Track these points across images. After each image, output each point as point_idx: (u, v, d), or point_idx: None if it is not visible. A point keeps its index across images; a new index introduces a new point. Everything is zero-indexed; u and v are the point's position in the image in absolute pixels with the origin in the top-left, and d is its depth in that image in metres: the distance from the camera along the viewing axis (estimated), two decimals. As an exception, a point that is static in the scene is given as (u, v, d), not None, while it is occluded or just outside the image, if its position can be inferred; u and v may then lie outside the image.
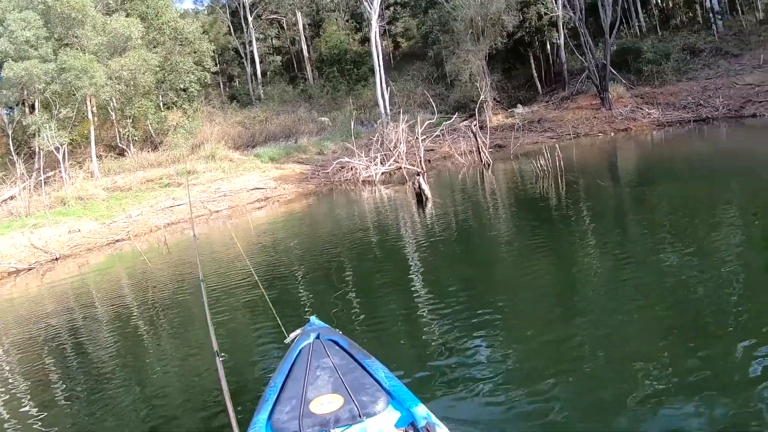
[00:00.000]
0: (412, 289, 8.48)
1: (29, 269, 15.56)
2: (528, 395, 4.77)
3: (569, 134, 26.00)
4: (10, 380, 7.41)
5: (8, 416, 6.26)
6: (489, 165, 20.61)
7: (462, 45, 30.11)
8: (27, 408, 6.42)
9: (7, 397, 6.85)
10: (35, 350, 8.57)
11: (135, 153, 27.20)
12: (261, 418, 3.46)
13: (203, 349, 7.13)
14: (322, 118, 33.18)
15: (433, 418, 3.25)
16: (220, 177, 23.36)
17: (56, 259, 16.10)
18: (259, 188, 22.59)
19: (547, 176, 15.64)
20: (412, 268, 9.95)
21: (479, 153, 21.22)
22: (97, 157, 25.47)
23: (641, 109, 26.90)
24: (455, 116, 28.50)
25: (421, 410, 3.30)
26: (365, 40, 39.73)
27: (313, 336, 4.40)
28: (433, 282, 8.65)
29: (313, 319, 4.90)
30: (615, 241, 9.36)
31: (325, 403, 3.43)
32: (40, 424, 5.92)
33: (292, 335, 4.69)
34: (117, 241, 17.31)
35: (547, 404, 4.57)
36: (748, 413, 4.10)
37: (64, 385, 6.97)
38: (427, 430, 3.07)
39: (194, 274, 11.14)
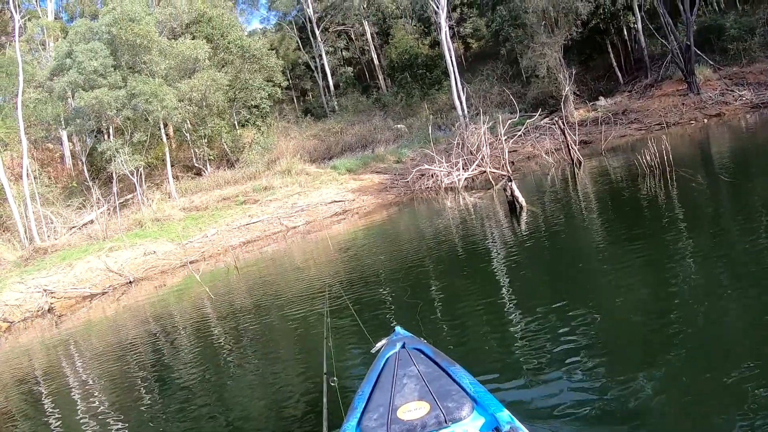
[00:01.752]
0: (502, 302, 7.97)
1: (103, 293, 15.09)
2: (616, 407, 4.63)
3: (658, 124, 23.78)
4: (96, 403, 7.49)
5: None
6: (580, 163, 18.79)
7: (536, 38, 28.40)
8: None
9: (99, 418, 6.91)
10: (123, 371, 8.62)
11: (211, 172, 26.93)
12: (350, 425, 3.52)
13: (291, 367, 7.32)
14: (398, 126, 32.17)
15: (517, 423, 3.27)
16: (296, 191, 22.58)
17: (130, 282, 15.62)
18: (337, 201, 21.62)
19: (653, 173, 13.46)
20: (502, 282, 8.88)
21: (568, 151, 19.40)
22: (173, 177, 25.33)
23: (731, 91, 24.33)
24: (538, 113, 26.78)
25: (504, 415, 3.33)
26: (435, 43, 38.87)
27: (398, 345, 4.46)
28: (527, 296, 7.91)
29: (398, 329, 4.97)
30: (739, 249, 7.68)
31: (412, 409, 3.48)
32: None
33: (378, 345, 4.74)
34: (191, 262, 16.61)
35: (636, 417, 4.43)
36: None
37: (156, 406, 6.99)
38: None
39: (265, 294, 11.45)
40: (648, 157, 13.55)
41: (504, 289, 8.53)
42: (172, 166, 25.45)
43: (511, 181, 13.43)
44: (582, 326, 6.23)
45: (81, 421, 7.00)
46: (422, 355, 4.25)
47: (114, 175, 22.86)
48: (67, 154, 28.88)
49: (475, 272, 9.84)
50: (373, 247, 14.55)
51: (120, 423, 6.69)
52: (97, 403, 7.51)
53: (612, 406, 4.64)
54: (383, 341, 4.79)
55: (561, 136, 20.21)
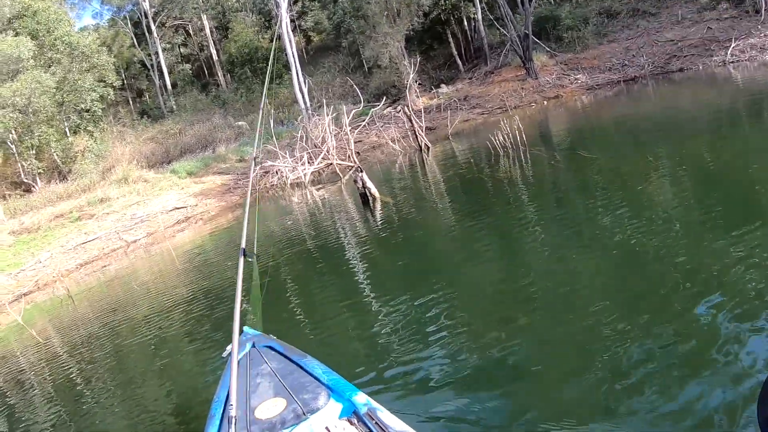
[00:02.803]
0: (359, 293, 8.22)
1: None
2: (477, 375, 4.90)
3: (499, 108, 25.31)
4: None
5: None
6: (428, 149, 19.55)
7: (378, 28, 29.09)
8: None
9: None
10: None
11: (42, 187, 25.19)
12: None
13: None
14: (239, 123, 31.83)
15: (374, 404, 3.35)
16: (135, 201, 21.78)
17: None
18: (178, 207, 21.13)
19: (506, 153, 14.29)
20: (358, 274, 9.24)
21: (416, 138, 20.08)
22: (0, 197, 23.59)
23: (567, 75, 26.67)
24: (382, 102, 27.43)
25: (361, 398, 3.40)
26: (276, 37, 38.41)
27: (248, 345, 4.44)
28: (384, 286, 8.23)
29: (246, 328, 4.86)
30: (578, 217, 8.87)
31: (270, 407, 3.51)
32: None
33: (228, 348, 4.46)
34: (24, 294, 15.70)
35: (496, 379, 4.79)
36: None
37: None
38: (370, 415, 3.14)
39: (111, 320, 10.99)
40: (501, 137, 14.38)
41: (360, 281, 8.76)
42: (-4, 184, 23.75)
43: (361, 171, 13.55)
44: (438, 306, 6.56)
45: None
46: (273, 352, 4.29)
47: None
48: None
49: (330, 267, 10.06)
50: (220, 253, 14.47)
51: None
52: None
53: (473, 375, 4.92)
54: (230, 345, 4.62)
55: (407, 123, 20.85)
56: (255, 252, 4.66)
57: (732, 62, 22.02)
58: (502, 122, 14.94)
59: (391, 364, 5.54)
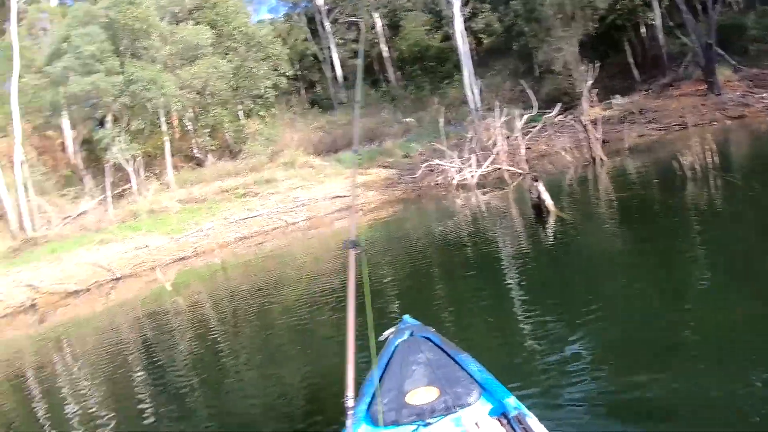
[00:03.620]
0: (516, 303, 7.67)
1: (87, 290, 14.29)
2: (625, 401, 4.64)
3: (678, 125, 22.55)
4: (87, 403, 7.32)
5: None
6: (602, 163, 17.58)
7: (552, 32, 27.22)
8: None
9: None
10: (114, 371, 8.40)
11: (213, 163, 25.99)
12: (360, 409, 3.56)
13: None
14: (407, 119, 31.05)
15: (524, 409, 3.25)
16: (299, 185, 21.63)
17: (117, 279, 14.74)
18: (340, 196, 20.64)
19: (694, 176, 11.80)
20: (520, 287, 8.37)
21: (590, 150, 18.22)
22: (173, 168, 24.46)
23: (753, 93, 22.74)
24: (557, 108, 25.53)
25: (512, 401, 3.33)
26: (446, 38, 37.62)
27: (407, 333, 4.51)
28: (545, 301, 7.42)
29: (406, 317, 4.97)
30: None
31: (421, 395, 3.53)
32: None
33: (386, 333, 4.74)
34: (182, 258, 15.75)
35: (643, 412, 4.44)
36: None
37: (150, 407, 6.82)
38: (518, 419, 3.05)
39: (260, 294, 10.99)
40: (690, 158, 12.29)
41: (522, 293, 8.03)
42: (172, 156, 24.60)
43: (537, 180, 12.04)
44: (594, 329, 6.11)
45: (71, 421, 6.75)
46: (430, 343, 4.28)
47: (110, 164, 21.97)
48: (68, 142, 27.98)
49: (490, 274, 9.26)
50: (378, 245, 13.72)
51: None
52: (88, 403, 7.30)
53: (620, 400, 4.65)
54: (391, 329, 4.78)
55: (582, 134, 19.08)
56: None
57: None
58: (690, 141, 12.71)
59: (539, 377, 5.31)
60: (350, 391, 3.19)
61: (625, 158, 18.00)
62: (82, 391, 7.76)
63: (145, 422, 6.30)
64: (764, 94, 22.17)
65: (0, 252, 17.62)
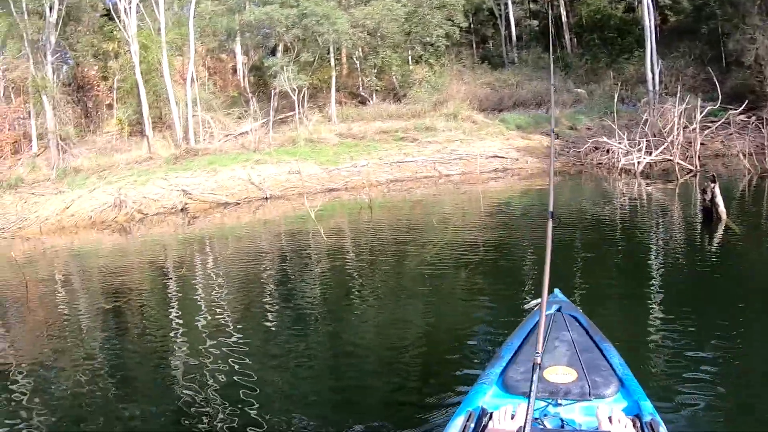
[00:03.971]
0: (668, 306, 6.92)
1: (237, 204, 14.63)
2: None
3: None
4: (219, 301, 7.59)
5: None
6: None
7: (748, 19, 24.24)
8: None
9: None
10: (250, 277, 8.69)
11: (376, 103, 25.93)
12: (494, 371, 3.48)
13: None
14: (579, 90, 29.31)
15: (658, 416, 3.00)
16: (459, 138, 21.01)
17: (266, 198, 15.00)
18: (498, 156, 19.87)
19: None
20: (675, 293, 7.37)
21: None
22: (337, 103, 24.66)
23: None
24: (742, 107, 22.80)
25: (648, 405, 3.10)
26: (629, 9, 35.27)
27: (554, 308, 4.27)
28: (700, 315, 6.52)
29: (556, 291, 4.64)
30: None
31: (559, 373, 3.33)
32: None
33: (533, 303, 4.56)
34: (331, 190, 15.73)
35: None
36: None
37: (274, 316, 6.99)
38: (652, 426, 2.82)
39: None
40: None
41: (674, 300, 7.14)
42: (337, 91, 24.82)
43: (714, 182, 10.63)
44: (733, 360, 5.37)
45: (201, 313, 7.02)
46: (576, 323, 4.07)
47: (276, 91, 22.43)
48: (239, 66, 29.00)
49: (646, 270, 8.37)
50: (530, 213, 13.13)
51: (240, 324, 6.68)
52: (214, 306, 7.43)
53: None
54: (538, 300, 4.24)
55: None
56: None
57: None
58: None
59: (674, 390, 4.82)
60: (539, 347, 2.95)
61: None
62: (212, 293, 7.95)
63: (262, 332, 6.43)
64: None
65: (163, 158, 18.65)
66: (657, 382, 4.99)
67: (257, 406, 4.66)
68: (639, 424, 2.93)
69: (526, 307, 4.71)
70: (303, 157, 17.80)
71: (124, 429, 4.66)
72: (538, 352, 3.16)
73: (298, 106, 22.49)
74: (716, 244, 9.62)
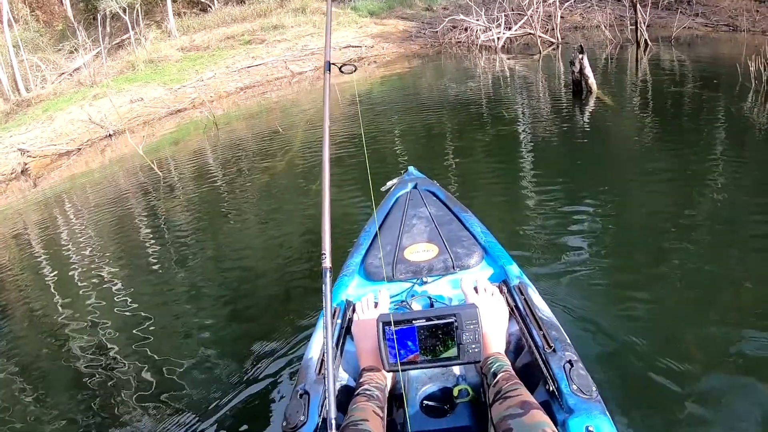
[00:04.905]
0: (536, 176, 7.02)
1: (79, 150, 13.37)
2: (619, 278, 4.51)
3: (726, 25, 19.68)
4: (92, 256, 7.11)
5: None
6: (647, 46, 15.38)
7: None
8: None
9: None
10: (116, 224, 8.18)
11: (219, 8, 24.10)
12: (354, 261, 3.31)
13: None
14: (433, -33, 28.60)
15: (526, 278, 2.95)
16: (309, 33, 20.01)
17: (110, 135, 13.76)
18: (353, 46, 19.11)
19: (758, 88, 9.48)
20: (541, 162, 7.51)
21: (636, 30, 15.97)
22: (176, 14, 22.77)
23: None
24: None
25: (514, 269, 3.01)
26: None
27: (410, 185, 4.13)
28: (563, 183, 6.66)
29: (411, 168, 4.55)
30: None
31: (420, 251, 3.24)
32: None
33: (389, 183, 4.38)
34: (179, 111, 14.65)
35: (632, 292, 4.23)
36: None
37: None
38: (520, 289, 2.74)
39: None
40: (756, 65, 10.11)
41: (543, 170, 7.18)
42: (174, 1, 22.84)
43: (583, 53, 10.30)
44: (610, 222, 5.54)
45: (81, 274, 6.54)
46: (434, 198, 3.95)
47: (106, 13, 20.36)
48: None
49: (514, 144, 8.39)
50: (388, 98, 12.81)
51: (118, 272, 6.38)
52: (96, 256, 7.03)
53: (616, 287, 4.43)
54: (394, 180, 4.42)
55: (625, 12, 16.90)
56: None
57: None
58: (741, 46, 10.59)
59: (543, 253, 5.03)
60: (326, 248, 2.44)
61: (670, 48, 15.83)
62: (86, 251, 7.38)
63: (146, 276, 6.13)
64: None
65: (-7, 117, 16.49)
66: (527, 248, 5.09)
67: (157, 354, 4.56)
68: (507, 289, 2.80)
69: (383, 189, 4.44)
70: (144, 81, 16.43)
71: (21, 408, 4.35)
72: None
73: (133, 26, 20.65)
74: (588, 115, 9.49)
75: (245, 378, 3.94)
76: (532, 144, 8.23)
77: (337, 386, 2.27)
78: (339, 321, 2.61)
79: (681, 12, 20.32)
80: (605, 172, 6.86)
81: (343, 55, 18.51)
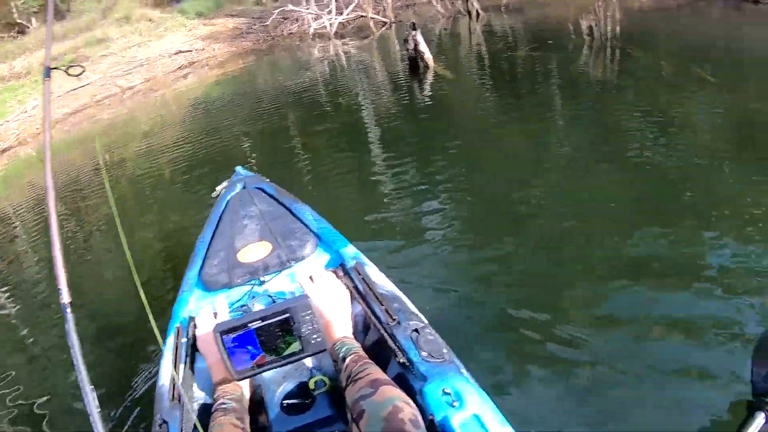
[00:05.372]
0: (373, 152, 7.47)
1: None
2: (464, 249, 4.75)
3: None
4: None
5: None
6: (478, 15, 16.16)
7: None
8: None
9: None
10: None
11: (37, 27, 22.96)
12: (192, 274, 3.24)
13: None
14: (258, -40, 28.36)
15: (363, 258, 3.01)
16: (136, 43, 19.49)
17: None
18: (183, 51, 18.85)
19: (591, 44, 10.54)
20: (375, 140, 7.96)
21: (467, 2, 16.65)
22: (-10, 40, 21.48)
23: None
24: None
25: (350, 250, 3.09)
26: None
27: (239, 186, 4.18)
28: (405, 166, 6.83)
29: (238, 168, 4.65)
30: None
31: (254, 251, 3.22)
32: None
33: (219, 188, 4.39)
34: (3, 150, 13.98)
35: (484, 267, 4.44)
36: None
37: None
38: (357, 270, 2.81)
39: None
40: (588, 23, 11.00)
41: (386, 153, 7.44)
42: (-14, 25, 21.57)
43: (416, 29, 10.55)
44: (458, 198, 5.74)
45: None
46: (264, 194, 3.99)
47: None
48: None
49: (354, 131, 8.63)
50: (224, 101, 12.96)
51: None
52: None
53: (459, 255, 4.63)
54: (224, 183, 4.40)
55: None
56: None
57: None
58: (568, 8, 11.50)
59: (382, 227, 5.29)
60: (61, 282, 2.38)
61: (501, 15, 16.69)
62: None
63: None
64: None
65: None
66: (378, 228, 5.25)
67: None
68: (343, 272, 2.88)
69: (214, 195, 4.47)
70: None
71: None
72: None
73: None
74: (428, 90, 9.90)
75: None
76: (375, 126, 8.55)
77: (195, 407, 2.27)
78: (185, 340, 2.56)
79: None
80: (450, 143, 7.18)
81: (173, 62, 18.28)
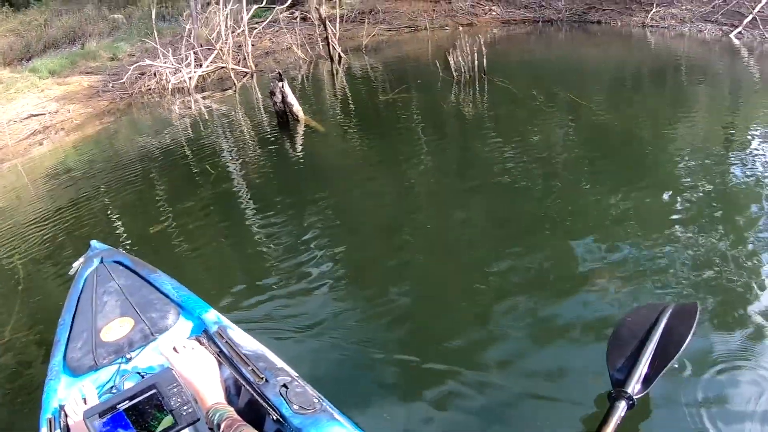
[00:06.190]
0: (243, 213, 7.48)
1: None
2: (334, 296, 4.80)
3: (408, 27, 22.56)
4: None
5: None
6: (340, 60, 16.47)
7: None
8: None
9: None
10: None
11: None
12: (56, 360, 3.18)
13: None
14: (115, 15, 27.61)
15: (225, 321, 3.14)
16: (-20, 104, 18.23)
17: None
18: (35, 115, 17.86)
19: (459, 79, 11.63)
20: (248, 199, 8.00)
21: (327, 46, 17.03)
22: None
23: (482, 5, 23.77)
24: (287, 3, 23.65)
25: (211, 315, 3.18)
26: None
27: (96, 261, 4.12)
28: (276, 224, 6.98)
29: (93, 243, 4.55)
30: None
31: (116, 328, 3.21)
32: None
33: (75, 264, 4.29)
34: None
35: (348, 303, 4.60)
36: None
37: None
38: (220, 334, 2.93)
39: None
40: (456, 59, 11.62)
41: (258, 208, 7.56)
42: None
43: (282, 80, 10.49)
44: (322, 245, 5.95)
45: None
46: (122, 267, 3.97)
47: None
48: None
49: (221, 190, 8.60)
50: (83, 169, 12.43)
51: None
52: None
53: (328, 302, 4.72)
54: (80, 259, 4.34)
55: (319, 29, 18.02)
56: None
57: (651, 26, 19.46)
58: (461, 40, 12.21)
59: (251, 286, 5.30)
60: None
61: (362, 56, 17.17)
62: None
63: None
64: (493, 7, 23.28)
65: None
66: (246, 287, 5.28)
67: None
68: (207, 338, 2.89)
69: (71, 272, 4.30)
70: None
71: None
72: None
73: None
74: (300, 144, 10.08)
75: None
76: (245, 186, 8.57)
77: None
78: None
79: (366, 22, 22.30)
80: (321, 195, 7.39)
81: (25, 127, 17.20)
